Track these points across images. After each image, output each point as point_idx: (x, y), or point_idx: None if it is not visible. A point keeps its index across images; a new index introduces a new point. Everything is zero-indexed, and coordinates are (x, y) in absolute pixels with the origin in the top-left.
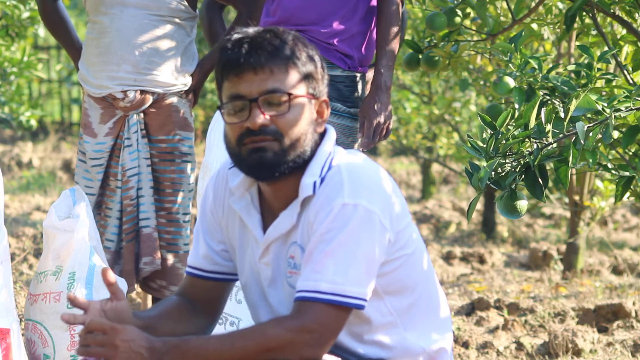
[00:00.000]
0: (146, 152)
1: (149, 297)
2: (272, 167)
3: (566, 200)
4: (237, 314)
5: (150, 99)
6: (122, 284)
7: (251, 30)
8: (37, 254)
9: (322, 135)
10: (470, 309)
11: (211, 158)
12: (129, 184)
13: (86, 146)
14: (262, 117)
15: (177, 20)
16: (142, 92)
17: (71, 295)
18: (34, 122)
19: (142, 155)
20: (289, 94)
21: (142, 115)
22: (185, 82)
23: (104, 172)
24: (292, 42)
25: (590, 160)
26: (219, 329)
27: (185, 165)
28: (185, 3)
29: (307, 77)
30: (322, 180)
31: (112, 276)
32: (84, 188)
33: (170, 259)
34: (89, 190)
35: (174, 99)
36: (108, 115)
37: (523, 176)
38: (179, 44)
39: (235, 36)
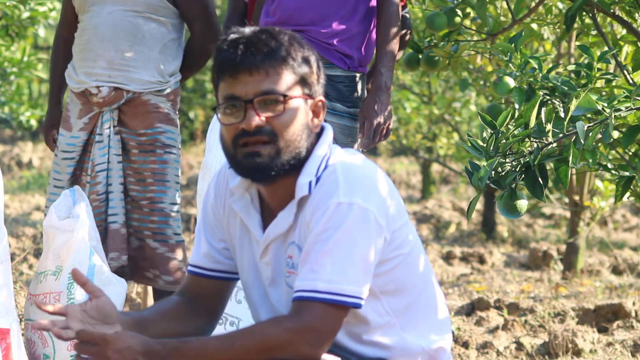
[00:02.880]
0: (118, 149)
1: (149, 296)
2: (267, 170)
3: (566, 200)
4: (237, 314)
5: (124, 96)
6: (122, 284)
7: (247, 30)
8: (37, 254)
9: (319, 135)
10: (470, 309)
11: (211, 158)
12: (96, 179)
13: (60, 139)
14: (257, 119)
15: (154, 16)
16: (117, 89)
17: (42, 305)
18: (33, 122)
19: (112, 152)
20: (284, 95)
21: (116, 112)
22: (164, 81)
23: (75, 167)
24: (287, 42)
25: (590, 160)
26: (219, 329)
27: (169, 157)
28: None
29: (302, 78)
30: (317, 180)
31: (83, 276)
32: (53, 181)
33: (159, 247)
34: (57, 183)
35: (151, 99)
36: (85, 111)
37: (523, 176)
38: (157, 41)
39: (231, 36)
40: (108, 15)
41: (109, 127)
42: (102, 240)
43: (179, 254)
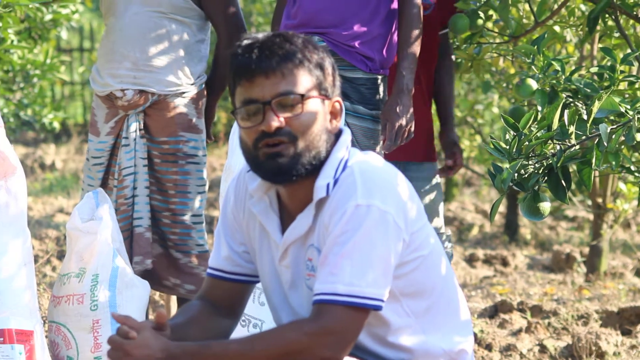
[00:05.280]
0: (144, 152)
1: (173, 299)
2: (289, 171)
3: (589, 202)
4: (260, 316)
5: (149, 99)
6: (144, 286)
7: (261, 35)
8: (61, 256)
9: (337, 136)
10: (493, 312)
11: (234, 160)
12: (124, 183)
13: (89, 145)
14: (276, 120)
15: (179, 17)
16: (142, 92)
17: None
18: (56, 124)
19: (139, 155)
20: (302, 96)
21: (142, 115)
22: (189, 83)
23: (104, 171)
24: (302, 45)
25: (613, 163)
26: (241, 331)
27: (191, 167)
28: None
29: (318, 79)
30: (335, 182)
31: (122, 316)
32: (86, 187)
33: (182, 258)
34: (90, 189)
35: (176, 101)
36: (111, 115)
37: (546, 178)
38: (182, 43)
39: (246, 42)
40: (134, 17)
41: (135, 131)
42: (129, 245)
43: (202, 264)
